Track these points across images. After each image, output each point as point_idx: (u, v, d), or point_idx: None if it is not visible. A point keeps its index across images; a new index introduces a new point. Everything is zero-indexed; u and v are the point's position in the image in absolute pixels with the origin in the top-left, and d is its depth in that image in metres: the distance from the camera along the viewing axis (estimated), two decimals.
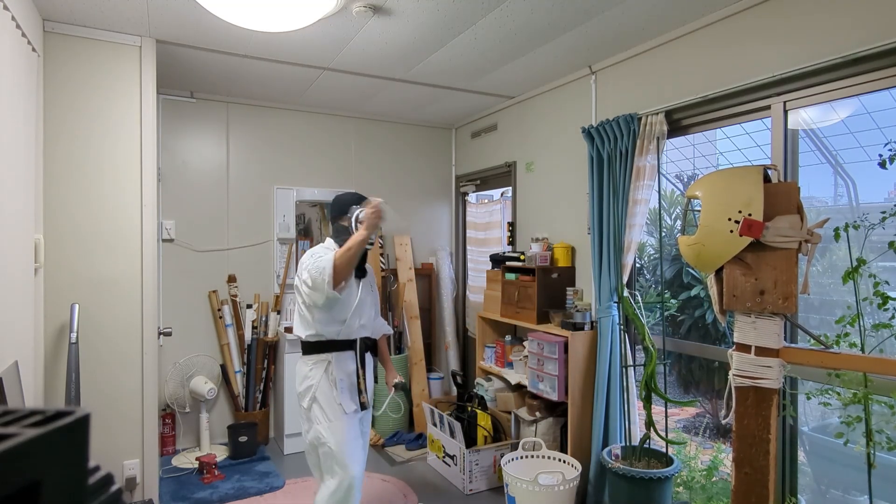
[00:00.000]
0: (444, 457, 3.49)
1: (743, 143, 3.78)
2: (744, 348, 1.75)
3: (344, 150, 4.46)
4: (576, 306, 3.18)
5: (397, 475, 3.49)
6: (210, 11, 2.40)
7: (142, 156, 2.84)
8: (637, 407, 2.94)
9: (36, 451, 0.32)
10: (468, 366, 4.62)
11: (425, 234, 4.81)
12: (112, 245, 2.77)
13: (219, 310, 3.92)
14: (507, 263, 3.62)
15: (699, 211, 1.79)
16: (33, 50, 2.40)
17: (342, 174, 4.44)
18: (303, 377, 2.34)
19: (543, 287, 3.32)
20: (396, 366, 3.92)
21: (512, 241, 4.05)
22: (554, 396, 3.07)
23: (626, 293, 2.90)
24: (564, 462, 3.00)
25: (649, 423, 2.71)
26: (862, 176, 2.99)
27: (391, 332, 2.89)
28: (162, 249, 3.75)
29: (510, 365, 3.66)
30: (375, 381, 2.56)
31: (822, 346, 1.72)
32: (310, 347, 2.34)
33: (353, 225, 2.31)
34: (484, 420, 3.44)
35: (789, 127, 2.34)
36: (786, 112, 2.32)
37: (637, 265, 3.31)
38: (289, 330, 3.88)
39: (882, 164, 1.95)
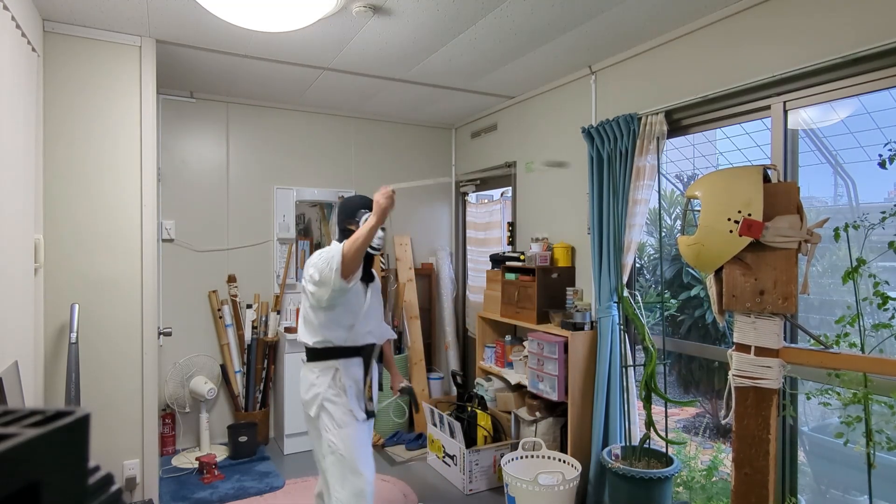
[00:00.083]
0: (444, 457, 3.49)
1: (743, 143, 3.78)
2: (743, 348, 1.75)
3: (344, 150, 4.46)
4: (576, 306, 3.18)
5: (397, 475, 3.49)
6: (210, 11, 2.40)
7: (142, 156, 2.84)
8: (637, 407, 2.95)
9: (36, 451, 0.32)
10: (468, 366, 4.62)
11: (425, 234, 4.81)
12: (112, 245, 2.77)
13: (219, 310, 3.92)
14: (507, 263, 3.62)
15: (699, 211, 1.79)
16: (33, 50, 2.40)
17: (342, 174, 4.44)
18: (309, 385, 2.26)
19: (543, 287, 3.32)
20: (397, 366, 3.91)
21: (512, 241, 4.05)
22: (554, 396, 3.07)
23: (626, 293, 2.90)
24: (564, 462, 3.00)
25: (649, 423, 2.71)
26: (862, 176, 2.99)
27: (395, 336, 2.87)
28: (162, 249, 3.75)
29: (510, 365, 3.66)
30: (380, 388, 2.51)
31: (822, 346, 1.72)
32: (316, 354, 2.26)
33: None
34: (484, 420, 3.44)
35: (789, 127, 2.34)
36: (786, 112, 2.32)
37: (637, 265, 3.32)
38: (289, 330, 3.88)
39: (882, 164, 1.95)
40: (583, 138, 3.17)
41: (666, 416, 2.80)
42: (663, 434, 2.71)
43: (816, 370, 2.01)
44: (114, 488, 0.40)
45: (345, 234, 2.30)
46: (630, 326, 2.97)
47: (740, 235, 1.68)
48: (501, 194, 4.49)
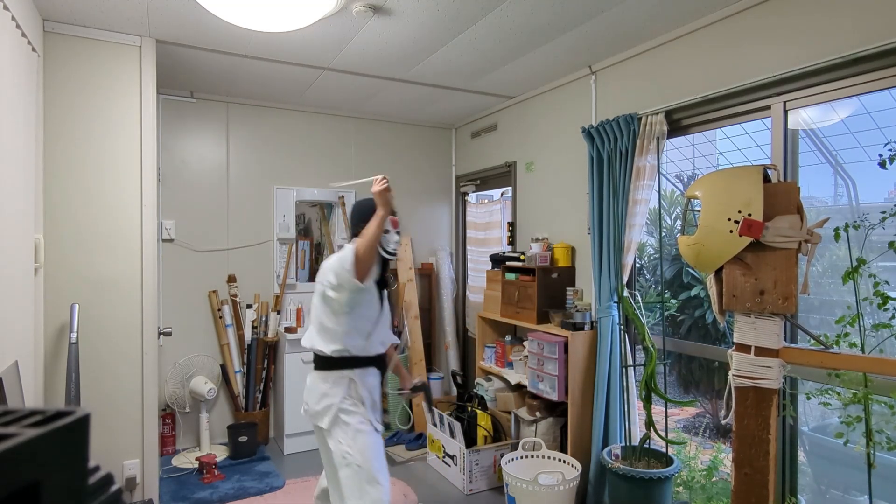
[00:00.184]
0: (444, 457, 3.49)
1: (743, 143, 3.78)
2: (744, 348, 1.75)
3: (344, 150, 4.46)
4: (576, 306, 3.18)
5: (397, 475, 3.49)
6: (210, 11, 2.40)
7: (142, 156, 2.84)
8: (637, 407, 2.95)
9: (36, 451, 0.32)
10: (468, 366, 4.62)
11: (425, 234, 4.81)
12: (112, 245, 2.77)
13: (219, 310, 3.92)
14: (507, 263, 3.62)
15: (699, 211, 1.79)
16: (33, 50, 2.40)
17: (342, 174, 4.44)
18: (321, 395, 2.15)
19: (543, 287, 3.32)
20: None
21: (512, 241, 4.05)
22: (554, 396, 3.07)
23: (626, 293, 2.90)
24: (564, 462, 3.00)
25: (649, 423, 2.71)
26: (862, 176, 2.99)
27: (399, 341, 2.84)
28: (162, 249, 3.75)
29: (510, 365, 3.66)
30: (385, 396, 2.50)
31: (822, 347, 1.72)
32: (330, 363, 2.16)
33: None
34: (484, 420, 3.44)
35: (789, 127, 2.34)
36: (786, 112, 2.32)
37: (637, 265, 3.32)
38: (289, 330, 3.88)
39: (882, 164, 1.95)
40: (583, 138, 3.17)
41: (666, 416, 2.80)
42: (663, 434, 2.71)
43: (816, 370, 2.01)
44: (114, 488, 0.40)
45: (358, 237, 2.24)
46: (630, 326, 2.97)
47: (740, 235, 1.68)
48: (501, 194, 4.50)
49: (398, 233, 2.23)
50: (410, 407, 4.23)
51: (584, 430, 3.04)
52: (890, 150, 1.95)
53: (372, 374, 2.23)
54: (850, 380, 1.91)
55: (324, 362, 2.18)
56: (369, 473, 2.07)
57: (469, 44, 2.92)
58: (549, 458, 3.05)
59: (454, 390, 4.04)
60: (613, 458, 2.76)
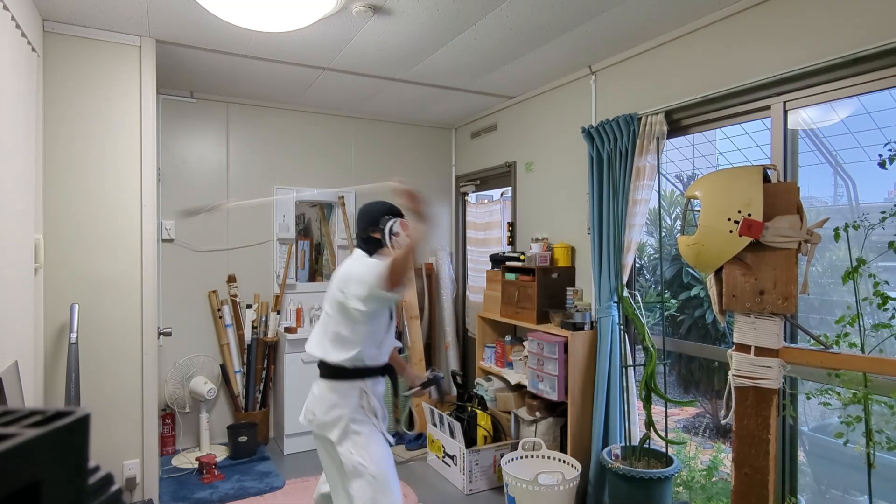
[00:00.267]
0: (444, 457, 3.49)
1: (743, 143, 3.78)
2: (743, 348, 1.75)
3: (344, 150, 4.46)
4: (576, 306, 3.18)
5: (397, 475, 3.49)
6: (210, 11, 2.40)
7: (142, 156, 2.84)
8: (637, 407, 2.95)
9: (36, 451, 0.32)
10: (468, 366, 4.62)
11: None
12: (112, 245, 2.77)
13: (219, 310, 3.92)
14: (507, 263, 3.62)
15: (699, 211, 1.79)
16: (33, 50, 2.40)
17: (342, 174, 4.44)
18: (330, 405, 2.06)
19: (543, 287, 3.32)
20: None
21: (512, 241, 4.05)
22: (554, 396, 3.07)
23: (626, 293, 2.90)
24: (564, 462, 3.00)
25: (649, 423, 2.71)
26: (862, 176, 2.99)
27: (401, 344, 2.81)
28: (162, 249, 3.75)
29: (510, 365, 3.66)
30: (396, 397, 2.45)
31: (822, 347, 1.72)
32: (342, 373, 2.08)
33: (387, 237, 2.12)
34: (484, 420, 3.44)
35: (789, 127, 2.34)
36: (786, 112, 2.32)
37: (637, 265, 3.32)
38: (289, 330, 3.88)
39: (882, 164, 1.95)
40: (583, 138, 3.17)
41: (666, 416, 2.80)
42: (663, 434, 2.71)
43: (816, 370, 2.01)
44: (114, 488, 0.40)
45: (367, 242, 2.16)
46: (630, 326, 2.97)
47: (740, 235, 1.68)
48: (501, 194, 4.49)
49: (407, 235, 2.14)
50: (411, 407, 4.23)
51: (584, 430, 3.04)
52: (890, 150, 1.95)
53: (381, 384, 2.18)
54: (850, 380, 1.91)
55: (335, 372, 2.09)
56: (383, 484, 2.01)
57: (469, 44, 2.92)
58: (549, 458, 3.05)
59: (454, 390, 4.04)
60: (613, 458, 2.76)
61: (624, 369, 2.92)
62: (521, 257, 3.51)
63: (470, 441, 3.34)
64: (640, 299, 2.97)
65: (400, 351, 4.32)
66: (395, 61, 3.21)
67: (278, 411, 3.97)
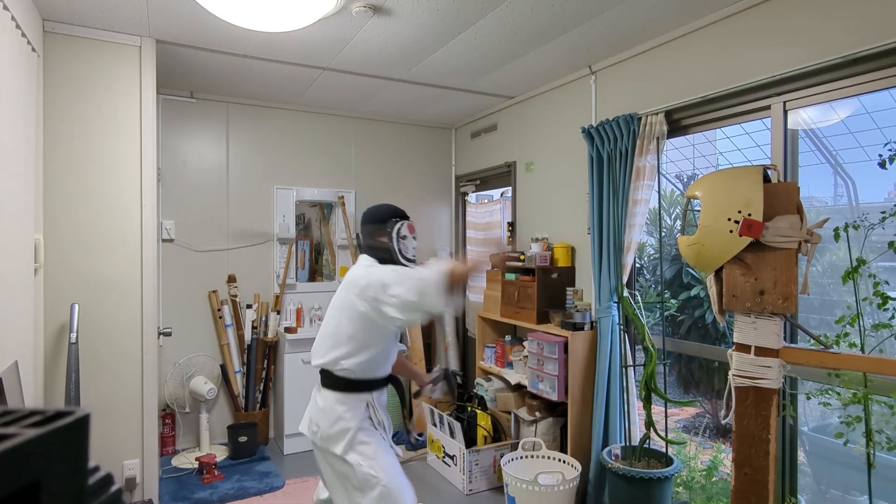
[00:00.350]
0: (444, 457, 3.49)
1: (743, 143, 3.78)
2: (743, 348, 1.75)
3: (344, 150, 4.46)
4: (576, 306, 3.18)
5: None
6: (210, 11, 2.40)
7: (142, 156, 2.84)
8: (637, 407, 2.94)
9: (36, 451, 0.32)
10: (468, 366, 4.62)
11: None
12: (112, 245, 2.77)
13: (219, 310, 3.92)
14: (507, 263, 3.62)
15: (699, 211, 1.79)
16: (33, 50, 2.40)
17: (342, 174, 4.44)
18: (335, 418, 1.97)
19: (543, 287, 3.32)
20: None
21: (512, 241, 4.05)
22: (554, 396, 3.07)
23: (626, 293, 2.90)
24: (564, 462, 3.00)
25: (649, 423, 2.71)
26: (862, 176, 2.99)
27: (405, 347, 2.78)
28: (162, 249, 3.75)
29: (510, 365, 3.66)
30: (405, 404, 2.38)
31: (822, 347, 1.72)
32: (350, 385, 2.00)
33: (395, 241, 2.04)
34: (484, 420, 3.44)
35: (789, 127, 2.34)
36: (786, 112, 2.32)
37: (637, 265, 3.32)
38: (289, 330, 3.88)
39: (882, 164, 1.95)
40: (583, 138, 3.17)
41: (666, 416, 2.80)
42: (663, 434, 2.71)
43: (816, 370, 2.01)
44: (114, 488, 0.40)
45: (374, 247, 2.08)
46: (630, 326, 2.97)
47: (740, 235, 1.68)
48: (501, 194, 4.49)
49: (415, 237, 2.10)
50: (404, 399, 4.23)
51: (583, 430, 3.04)
52: (890, 150, 1.95)
53: (384, 394, 2.14)
54: (850, 380, 1.91)
55: (341, 384, 2.00)
56: (398, 494, 1.95)
57: (469, 44, 2.92)
58: (548, 458, 3.05)
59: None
60: (613, 458, 2.76)
61: (624, 369, 2.92)
62: (521, 257, 3.51)
63: (470, 441, 3.34)
64: (640, 299, 2.97)
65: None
66: (395, 61, 3.21)
67: (278, 411, 3.97)
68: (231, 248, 4.03)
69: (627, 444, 2.85)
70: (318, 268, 4.52)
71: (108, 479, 0.40)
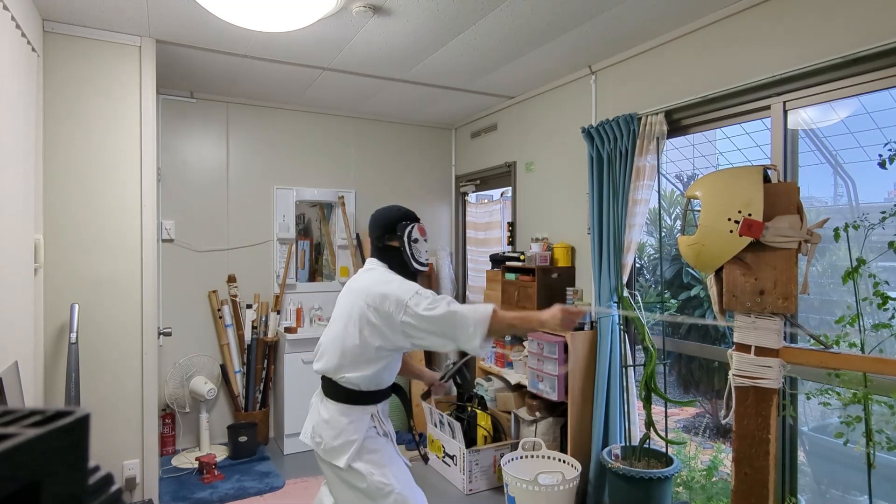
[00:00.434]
0: (444, 457, 3.49)
1: (743, 143, 3.78)
2: (744, 348, 1.75)
3: (344, 150, 4.46)
4: (576, 306, 3.18)
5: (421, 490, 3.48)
6: (210, 11, 2.40)
7: (142, 156, 2.84)
8: (637, 407, 2.95)
9: (36, 451, 0.32)
10: (468, 366, 4.62)
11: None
12: (112, 245, 2.77)
13: (219, 310, 3.92)
14: (507, 263, 3.62)
15: (699, 211, 1.79)
16: (33, 50, 2.40)
17: (342, 174, 4.44)
18: (339, 430, 1.89)
19: (543, 287, 3.32)
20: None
21: (512, 241, 4.05)
22: (554, 396, 3.07)
23: (625, 293, 2.90)
24: (564, 462, 3.00)
25: (649, 423, 2.71)
26: (862, 176, 2.99)
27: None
28: (162, 249, 3.75)
29: (510, 365, 3.66)
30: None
31: (822, 346, 1.72)
32: (357, 397, 1.92)
33: (406, 244, 1.95)
34: (484, 420, 3.44)
35: (789, 127, 2.34)
36: (786, 112, 2.32)
37: (637, 265, 3.31)
38: (289, 330, 3.88)
39: (882, 164, 1.95)
40: (583, 138, 3.16)
41: (666, 416, 2.80)
42: (663, 434, 2.71)
43: (816, 370, 2.01)
44: (114, 488, 0.40)
45: (384, 251, 1.99)
46: (630, 326, 2.97)
47: (740, 235, 1.68)
48: (501, 194, 4.50)
49: (426, 240, 2.01)
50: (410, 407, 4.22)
51: (584, 430, 3.04)
52: (890, 150, 1.95)
53: (387, 404, 2.08)
54: (850, 380, 1.91)
55: (347, 395, 1.91)
56: (411, 500, 1.89)
57: (469, 44, 2.92)
58: (548, 458, 3.05)
59: (454, 390, 4.03)
60: (613, 458, 2.76)
61: (624, 369, 2.92)
62: (521, 257, 3.51)
63: (470, 441, 3.34)
64: (640, 299, 2.97)
65: None
66: (395, 61, 3.20)
67: (278, 411, 3.97)
68: (231, 248, 4.03)
69: (627, 444, 2.85)
70: (318, 268, 4.52)
71: (108, 479, 0.40)
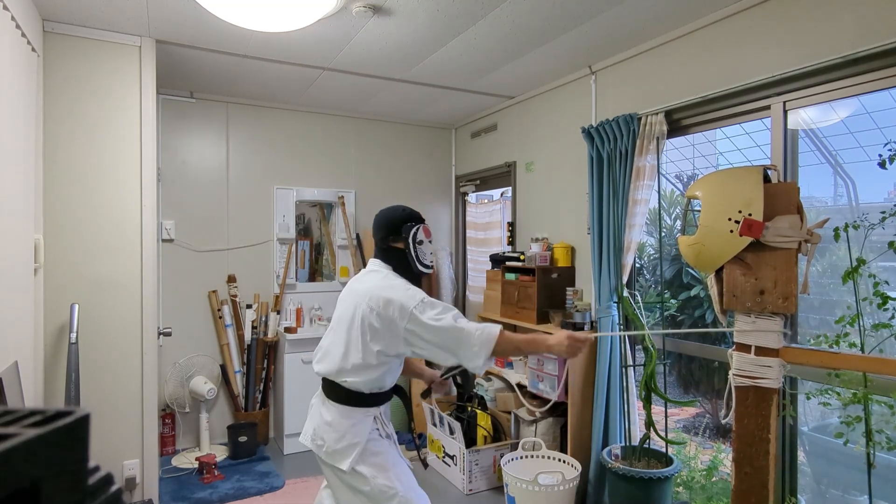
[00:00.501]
0: (444, 457, 3.49)
1: (743, 143, 3.78)
2: (744, 348, 1.75)
3: (344, 150, 4.46)
4: (576, 306, 3.18)
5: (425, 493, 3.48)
6: (210, 11, 2.40)
7: (141, 156, 2.84)
8: (637, 407, 2.95)
9: (36, 451, 0.32)
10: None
11: None
12: (112, 245, 2.77)
13: (219, 310, 3.92)
14: (507, 263, 3.62)
15: (699, 211, 1.79)
16: (33, 50, 2.40)
17: (342, 174, 4.44)
18: (342, 433, 1.86)
19: (543, 287, 3.32)
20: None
21: (512, 241, 4.05)
22: (554, 396, 3.07)
23: (625, 293, 2.90)
24: (564, 462, 3.00)
25: (649, 423, 2.71)
26: (862, 176, 2.99)
27: None
28: (162, 249, 3.75)
29: (510, 365, 3.66)
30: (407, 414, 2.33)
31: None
32: (359, 399, 1.89)
33: (411, 246, 1.92)
34: (484, 420, 3.44)
35: (789, 127, 2.34)
36: (785, 112, 2.32)
37: (637, 265, 3.32)
38: (289, 330, 3.88)
39: (882, 164, 1.95)
40: (583, 138, 3.16)
41: (666, 416, 2.80)
42: (663, 434, 2.71)
43: (816, 370, 2.01)
44: (114, 488, 0.40)
45: (388, 252, 1.96)
46: (630, 326, 2.96)
47: (741, 235, 1.68)
48: (501, 194, 4.50)
49: (430, 241, 1.98)
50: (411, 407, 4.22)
51: (583, 430, 3.04)
52: (890, 150, 1.95)
53: (388, 406, 2.06)
54: (850, 380, 1.91)
55: (349, 398, 1.89)
56: (415, 502, 1.87)
57: (469, 44, 2.92)
58: (548, 458, 3.05)
59: (454, 390, 4.03)
60: (613, 458, 2.76)
61: (624, 369, 2.92)
62: (521, 257, 3.51)
63: (470, 441, 3.34)
64: (640, 299, 2.97)
65: None
66: (395, 61, 3.20)
67: (278, 411, 3.97)
68: (231, 249, 4.03)
69: (627, 443, 2.85)
70: (318, 268, 4.52)
71: (108, 479, 0.40)
